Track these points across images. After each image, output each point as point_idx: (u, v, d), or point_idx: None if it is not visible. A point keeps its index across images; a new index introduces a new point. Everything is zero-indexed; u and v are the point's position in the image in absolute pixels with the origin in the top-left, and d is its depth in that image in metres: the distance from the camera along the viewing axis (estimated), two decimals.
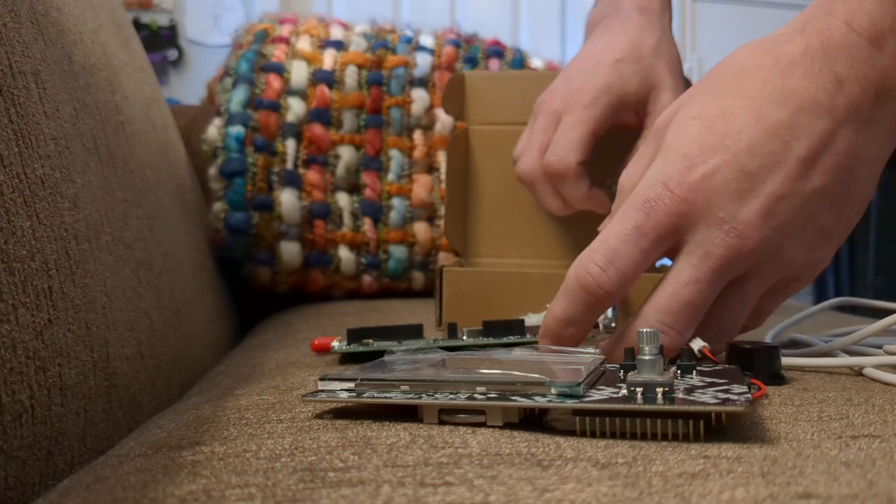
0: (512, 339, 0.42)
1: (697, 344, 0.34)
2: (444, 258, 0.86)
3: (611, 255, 0.33)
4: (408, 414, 0.27)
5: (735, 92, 0.34)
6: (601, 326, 0.46)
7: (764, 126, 0.33)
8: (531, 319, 0.47)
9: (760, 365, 0.33)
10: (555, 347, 0.35)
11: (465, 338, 0.42)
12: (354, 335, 0.42)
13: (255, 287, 0.88)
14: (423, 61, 0.90)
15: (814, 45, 0.33)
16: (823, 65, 0.33)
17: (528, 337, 0.42)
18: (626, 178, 0.38)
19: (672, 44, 0.54)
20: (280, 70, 0.87)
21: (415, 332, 0.43)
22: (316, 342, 0.43)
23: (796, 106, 0.33)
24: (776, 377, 0.33)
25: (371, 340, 0.42)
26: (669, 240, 0.33)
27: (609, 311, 0.48)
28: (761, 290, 0.35)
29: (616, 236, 0.33)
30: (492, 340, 0.41)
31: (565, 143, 0.50)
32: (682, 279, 0.33)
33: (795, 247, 0.33)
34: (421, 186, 0.87)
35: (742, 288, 0.34)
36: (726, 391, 0.26)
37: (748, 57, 0.35)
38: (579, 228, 0.58)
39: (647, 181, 0.34)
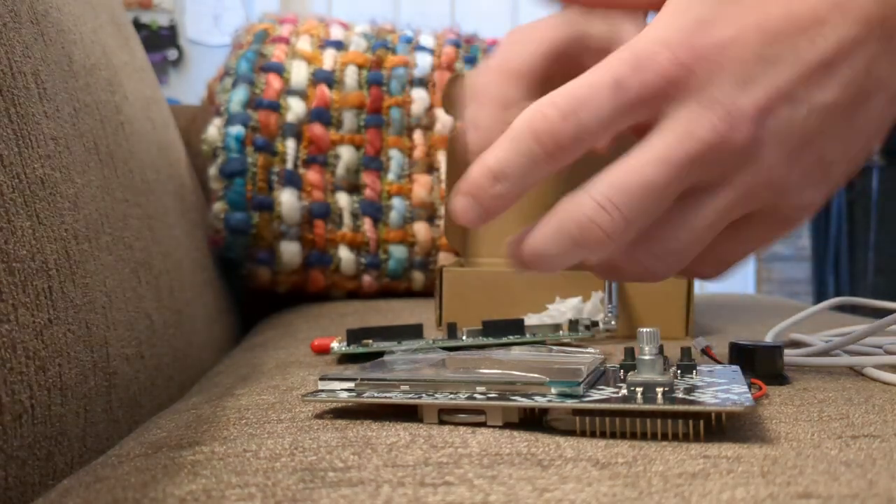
0: (511, 338, 0.42)
1: (700, 344, 0.34)
2: (444, 258, 0.86)
3: (576, 104, 0.27)
4: (408, 414, 0.27)
5: None
6: (601, 325, 0.46)
7: (796, 11, 0.28)
8: (531, 319, 0.47)
9: (763, 365, 0.33)
10: (555, 347, 0.35)
11: (464, 338, 0.42)
12: (354, 335, 0.42)
13: (255, 287, 0.88)
14: (423, 61, 0.90)
15: None
16: None
17: (528, 336, 0.42)
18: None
19: None
20: (280, 70, 0.87)
21: (414, 332, 0.43)
22: (316, 342, 0.43)
23: (834, 2, 0.28)
24: (778, 377, 0.33)
25: (371, 341, 0.42)
26: (647, 109, 0.28)
27: (609, 311, 0.48)
28: (730, 212, 0.29)
29: (589, 85, 0.28)
30: (491, 340, 0.41)
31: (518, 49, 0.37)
32: (648, 156, 0.27)
33: (786, 166, 0.28)
34: (421, 186, 0.87)
35: (708, 199, 0.28)
36: (726, 391, 0.26)
37: None
38: None
39: (645, 35, 0.28)
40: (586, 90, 0.28)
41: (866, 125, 0.29)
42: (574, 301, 0.48)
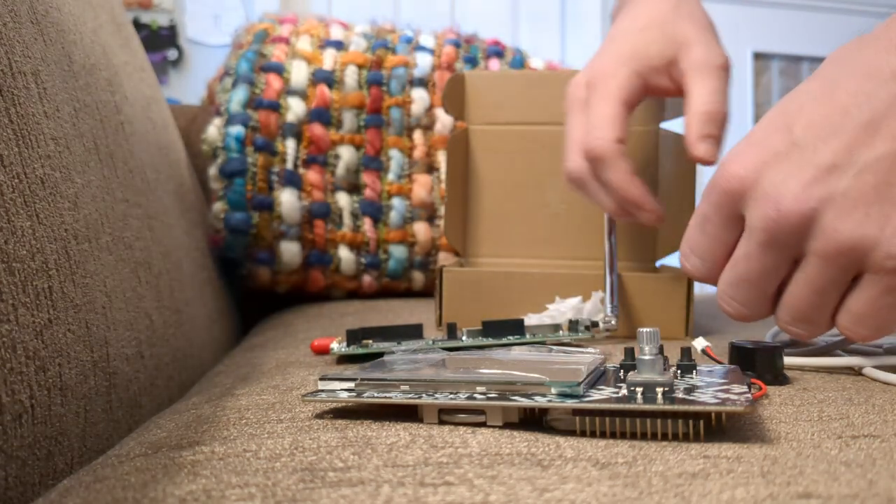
0: (511, 339, 0.42)
1: (700, 344, 0.34)
2: (444, 258, 0.86)
3: (691, 245, 0.36)
4: (408, 414, 0.27)
5: (816, 76, 0.34)
6: (600, 325, 0.46)
7: (828, 98, 0.31)
8: (531, 319, 0.47)
9: (763, 365, 0.33)
10: (555, 347, 0.35)
11: (464, 338, 0.42)
12: (354, 336, 0.42)
13: (255, 287, 0.88)
14: (423, 61, 0.90)
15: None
16: None
17: (528, 336, 0.42)
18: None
19: (695, 4, 0.52)
20: (280, 70, 0.87)
21: (414, 332, 0.43)
22: (315, 343, 0.43)
23: (864, 73, 0.31)
24: (779, 377, 0.33)
25: (370, 341, 0.42)
26: (733, 219, 0.34)
27: (609, 311, 0.48)
28: (826, 275, 0.31)
29: (691, 225, 0.36)
30: (491, 341, 0.41)
31: (599, 122, 0.48)
32: (738, 254, 0.34)
33: (856, 223, 0.30)
34: (421, 186, 0.87)
35: (802, 268, 0.32)
36: (726, 391, 0.26)
37: (843, 46, 0.34)
38: (579, 228, 0.58)
39: (725, 160, 0.34)
40: (690, 231, 0.36)
41: None
42: (574, 301, 0.48)
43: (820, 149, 0.30)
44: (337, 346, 0.42)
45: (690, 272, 0.36)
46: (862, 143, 0.30)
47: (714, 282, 0.35)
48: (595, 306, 0.48)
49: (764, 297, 0.34)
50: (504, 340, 0.41)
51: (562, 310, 0.48)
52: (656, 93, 0.51)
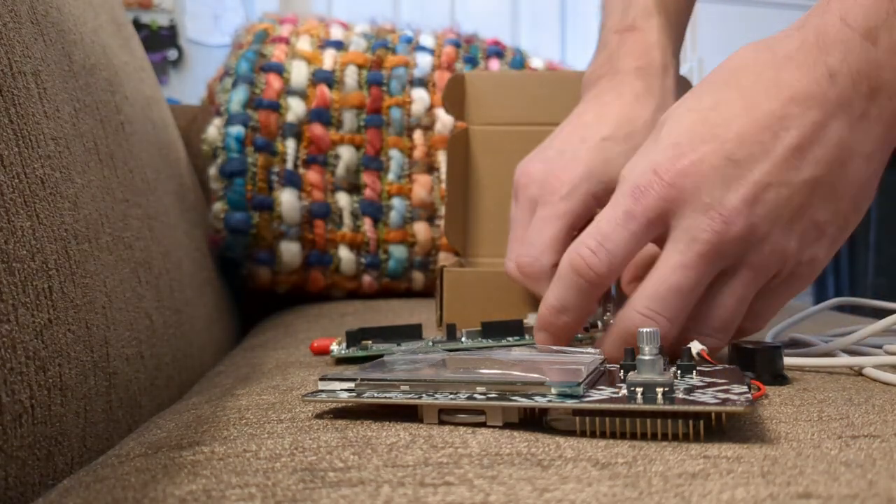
0: (511, 340, 0.42)
1: (696, 346, 0.34)
2: (444, 258, 0.86)
3: (601, 238, 0.34)
4: (408, 414, 0.27)
5: (731, 85, 0.35)
6: (600, 325, 0.46)
7: (754, 116, 0.33)
8: (530, 320, 0.47)
9: (763, 365, 0.33)
10: (555, 347, 0.35)
11: (463, 339, 0.42)
12: (353, 337, 0.42)
13: (255, 287, 0.88)
14: (423, 61, 0.90)
15: (810, 39, 0.33)
16: (817, 58, 0.33)
17: (528, 338, 0.42)
18: (627, 169, 0.37)
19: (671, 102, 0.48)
20: (280, 70, 0.87)
21: (414, 332, 0.43)
22: (315, 344, 0.43)
23: (788, 97, 0.33)
24: (779, 377, 0.33)
25: (370, 342, 0.42)
26: (659, 225, 0.34)
27: (609, 311, 0.48)
28: (753, 285, 0.34)
29: (607, 221, 0.34)
30: (490, 343, 0.41)
31: (538, 243, 0.45)
32: (669, 264, 0.33)
33: (785, 238, 0.33)
34: (421, 186, 0.87)
35: (732, 280, 0.34)
36: (726, 391, 0.26)
37: (748, 53, 0.35)
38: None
39: (638, 168, 0.34)
40: (605, 225, 0.34)
41: (849, 186, 0.34)
42: None
43: (755, 168, 0.33)
44: (336, 347, 0.42)
45: (591, 265, 0.34)
46: (792, 166, 0.33)
47: (603, 283, 0.34)
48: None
49: (688, 310, 0.34)
50: (503, 343, 0.41)
51: None
52: None
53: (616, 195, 0.35)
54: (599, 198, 0.45)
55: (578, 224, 0.45)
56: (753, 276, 0.34)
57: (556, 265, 0.44)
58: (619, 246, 0.34)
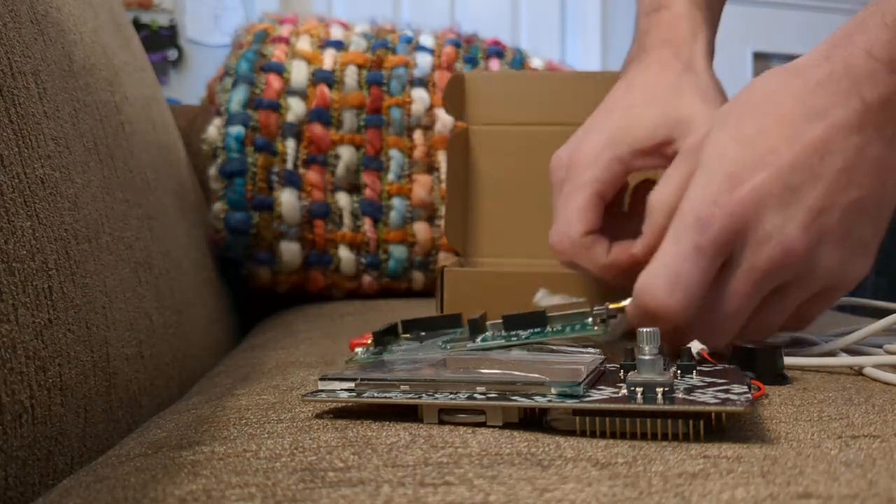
0: (542, 330, 0.37)
1: (696, 346, 0.33)
2: (444, 258, 0.86)
3: (674, 278, 0.34)
4: (408, 414, 0.27)
5: (769, 111, 0.36)
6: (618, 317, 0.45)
7: (801, 143, 0.34)
8: (539, 298, 0.46)
9: (763, 365, 0.33)
10: (554, 347, 0.35)
11: (489, 334, 0.39)
12: (382, 336, 0.39)
13: (255, 287, 0.88)
14: (423, 61, 0.90)
15: (839, 69, 0.35)
16: (850, 87, 0.34)
17: (549, 329, 0.37)
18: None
19: (703, 73, 0.47)
20: (280, 70, 0.87)
21: (452, 322, 0.41)
22: (354, 342, 0.41)
23: (829, 124, 0.34)
24: (779, 377, 0.33)
25: (407, 335, 0.40)
26: (724, 255, 0.35)
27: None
28: (800, 299, 0.36)
29: (675, 257, 0.34)
30: (533, 338, 0.37)
31: (565, 217, 0.44)
32: (727, 291, 0.35)
33: (836, 258, 0.35)
34: (421, 186, 0.87)
35: (783, 297, 0.36)
36: (726, 391, 0.26)
37: (776, 79, 0.37)
38: None
39: (694, 201, 0.35)
40: (675, 263, 0.34)
41: (888, 203, 0.36)
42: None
43: (809, 193, 0.34)
44: (361, 350, 0.39)
45: (667, 308, 0.34)
46: (841, 188, 0.34)
47: (682, 319, 0.34)
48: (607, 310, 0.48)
49: (739, 327, 0.36)
50: (535, 338, 0.38)
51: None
52: (645, 169, 0.46)
53: (677, 229, 0.35)
54: (626, 161, 0.44)
55: (607, 191, 0.44)
56: (802, 293, 0.36)
57: (587, 233, 0.43)
58: (692, 283, 0.34)
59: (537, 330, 0.38)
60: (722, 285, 0.35)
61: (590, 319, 0.37)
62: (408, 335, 0.40)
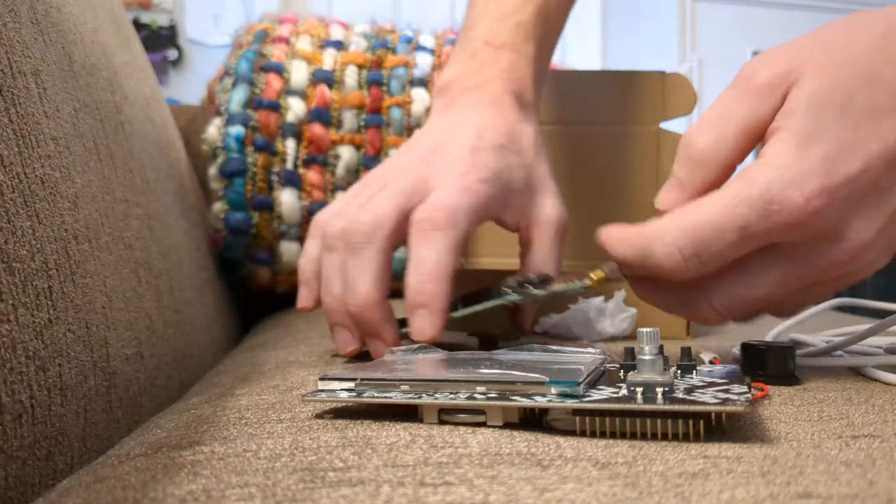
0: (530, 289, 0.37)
1: (708, 355, 0.34)
2: None
3: (701, 247, 0.30)
4: (408, 414, 0.27)
5: (874, 79, 0.30)
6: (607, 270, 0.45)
7: (880, 139, 0.29)
8: (553, 319, 0.46)
9: (774, 365, 0.33)
10: (554, 347, 0.35)
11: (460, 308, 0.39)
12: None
13: (255, 287, 0.88)
14: (423, 61, 0.90)
15: None
16: None
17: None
18: (705, 143, 0.32)
19: (544, 142, 0.45)
20: (280, 70, 0.87)
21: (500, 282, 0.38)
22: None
23: None
24: (790, 377, 0.33)
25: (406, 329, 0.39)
26: (767, 241, 0.30)
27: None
28: (835, 290, 0.34)
29: (714, 227, 0.30)
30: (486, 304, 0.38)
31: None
32: (767, 278, 0.31)
33: (882, 259, 0.32)
34: None
35: (824, 288, 0.33)
36: (726, 391, 0.26)
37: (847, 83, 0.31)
38: (579, 228, 0.58)
39: (772, 172, 0.29)
40: (711, 233, 0.30)
41: None
42: (597, 301, 0.48)
43: (890, 195, 0.30)
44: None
45: (676, 271, 0.30)
46: None
47: (683, 278, 0.31)
48: (618, 306, 0.48)
49: (764, 313, 0.33)
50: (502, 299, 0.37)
51: (584, 310, 0.48)
52: (499, 223, 0.44)
53: (739, 196, 0.29)
54: (501, 204, 0.41)
55: (482, 217, 0.40)
56: (835, 286, 0.33)
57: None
58: (715, 259, 0.30)
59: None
60: (760, 269, 0.31)
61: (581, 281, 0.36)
62: (407, 330, 0.40)
